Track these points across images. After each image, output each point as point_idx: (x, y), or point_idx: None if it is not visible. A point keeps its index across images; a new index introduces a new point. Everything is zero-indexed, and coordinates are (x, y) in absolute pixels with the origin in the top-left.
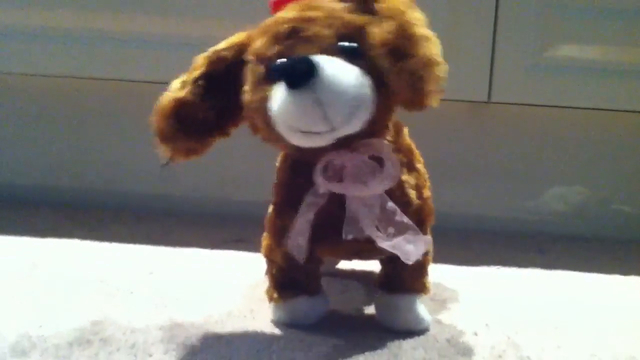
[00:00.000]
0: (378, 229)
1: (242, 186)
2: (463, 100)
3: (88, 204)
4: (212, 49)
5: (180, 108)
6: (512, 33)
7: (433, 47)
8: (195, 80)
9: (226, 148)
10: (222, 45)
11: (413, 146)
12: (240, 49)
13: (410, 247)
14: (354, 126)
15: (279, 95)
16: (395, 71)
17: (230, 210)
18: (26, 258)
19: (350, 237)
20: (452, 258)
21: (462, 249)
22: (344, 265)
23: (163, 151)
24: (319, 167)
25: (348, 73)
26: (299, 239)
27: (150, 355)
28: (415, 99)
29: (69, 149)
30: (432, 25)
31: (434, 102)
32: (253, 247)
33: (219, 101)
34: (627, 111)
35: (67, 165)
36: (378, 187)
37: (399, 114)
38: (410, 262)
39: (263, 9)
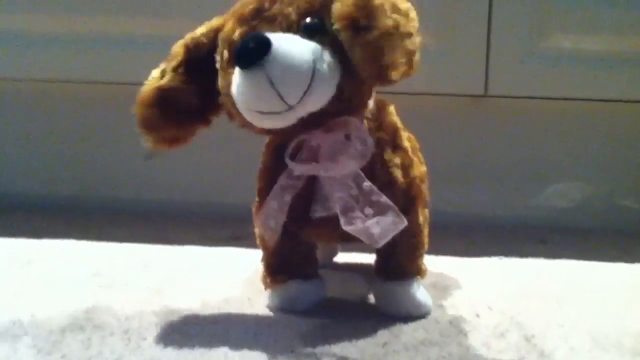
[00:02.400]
0: (355, 210)
1: (238, 188)
2: (460, 95)
3: (84, 208)
4: (189, 35)
5: (162, 96)
6: (506, 24)
7: (400, 19)
8: (176, 68)
9: (221, 150)
10: (200, 30)
11: (399, 125)
12: (217, 33)
13: (376, 230)
14: (315, 103)
15: (236, 78)
16: (356, 44)
17: (227, 212)
18: (21, 256)
19: (318, 215)
20: (454, 250)
21: (463, 242)
22: (344, 259)
23: (146, 142)
24: (288, 148)
25: (301, 49)
26: (270, 221)
27: (145, 339)
28: (377, 72)
29: (67, 154)
30: (426, 20)
31: (396, 74)
32: (251, 244)
33: (200, 87)
34: (625, 101)
35: (63, 170)
36: (347, 164)
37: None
38: (377, 246)
39: None
